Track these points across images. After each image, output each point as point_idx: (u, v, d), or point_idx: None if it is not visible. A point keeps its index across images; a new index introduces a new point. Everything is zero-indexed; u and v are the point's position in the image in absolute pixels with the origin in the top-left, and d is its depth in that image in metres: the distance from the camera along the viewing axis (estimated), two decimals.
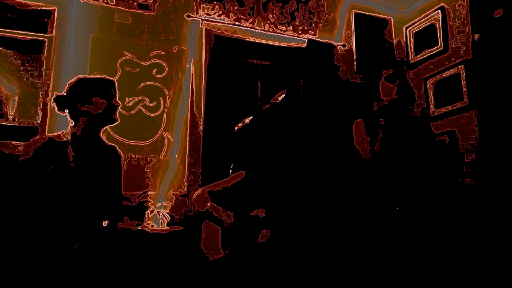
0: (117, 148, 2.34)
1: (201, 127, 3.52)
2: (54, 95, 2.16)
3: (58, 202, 1.98)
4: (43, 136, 2.14)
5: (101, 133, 2.24)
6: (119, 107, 2.23)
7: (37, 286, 1.81)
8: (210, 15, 3.73)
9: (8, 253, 1.85)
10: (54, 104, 2.13)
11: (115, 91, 2.23)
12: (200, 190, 2.57)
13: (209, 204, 2.44)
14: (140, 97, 3.37)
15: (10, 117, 3.11)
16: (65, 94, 2.15)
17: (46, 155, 2.01)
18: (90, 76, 2.26)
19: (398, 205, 2.71)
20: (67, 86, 2.17)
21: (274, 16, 3.97)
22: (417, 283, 2.44)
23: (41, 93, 3.14)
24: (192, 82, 3.54)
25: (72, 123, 2.15)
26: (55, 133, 2.16)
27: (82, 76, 2.25)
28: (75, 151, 2.08)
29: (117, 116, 2.22)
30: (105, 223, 2.17)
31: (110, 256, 2.00)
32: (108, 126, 2.26)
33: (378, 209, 2.66)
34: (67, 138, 2.11)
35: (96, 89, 2.15)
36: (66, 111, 2.14)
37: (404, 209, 2.68)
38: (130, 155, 3.24)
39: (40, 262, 1.84)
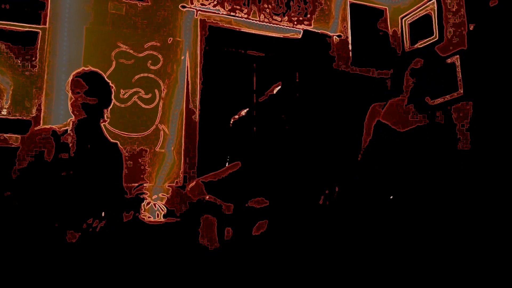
0: (119, 146, 2.34)
1: (197, 118, 3.51)
2: (75, 72, 2.16)
3: (56, 191, 1.98)
4: (46, 127, 2.14)
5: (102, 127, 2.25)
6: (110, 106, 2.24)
7: (37, 273, 1.83)
8: (205, 5, 3.71)
9: (9, 247, 1.86)
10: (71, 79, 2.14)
11: (110, 96, 2.23)
12: (195, 181, 2.57)
13: (207, 197, 2.44)
14: (135, 89, 3.35)
15: (4, 110, 3.09)
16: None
17: (49, 146, 2.01)
18: (101, 73, 2.24)
19: (393, 195, 2.72)
20: (80, 70, 2.17)
21: (270, 6, 3.95)
22: (417, 278, 2.46)
23: (35, 85, 3.12)
24: (187, 73, 3.52)
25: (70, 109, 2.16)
26: (59, 125, 2.17)
27: (98, 71, 2.24)
28: (75, 143, 2.09)
29: (101, 124, 2.23)
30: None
31: (108, 247, 2.01)
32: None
33: (375, 201, 2.67)
34: (67, 127, 2.11)
35: (95, 87, 2.15)
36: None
37: (399, 200, 2.70)
38: (126, 147, 3.23)
39: (40, 253, 1.85)
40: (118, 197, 2.28)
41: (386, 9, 4.42)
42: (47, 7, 3.21)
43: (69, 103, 2.14)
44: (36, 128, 2.11)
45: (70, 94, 2.13)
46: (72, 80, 2.12)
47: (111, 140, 2.32)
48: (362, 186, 2.70)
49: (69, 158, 2.04)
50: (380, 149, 2.69)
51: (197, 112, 3.53)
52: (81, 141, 2.12)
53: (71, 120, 2.17)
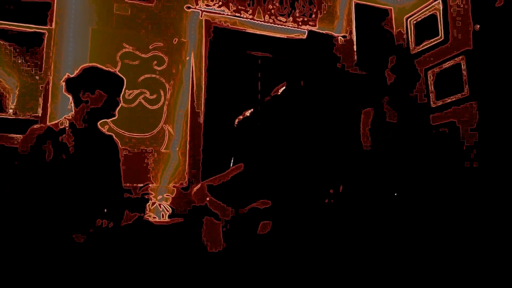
0: (114, 138, 2.34)
1: (202, 119, 3.52)
2: (66, 75, 2.15)
3: (58, 192, 1.99)
4: (41, 126, 2.14)
5: (99, 124, 2.24)
6: (120, 104, 2.23)
7: (42, 275, 1.84)
8: (210, 6, 3.71)
9: (8, 247, 1.86)
10: (64, 83, 2.13)
11: (121, 89, 2.23)
12: (199, 184, 2.57)
13: (208, 199, 2.45)
14: (140, 90, 3.37)
15: (10, 110, 3.11)
16: (74, 77, 2.14)
17: (44, 144, 2.01)
18: (103, 67, 2.23)
19: (397, 194, 2.73)
20: (79, 70, 2.16)
21: (274, 6, 3.94)
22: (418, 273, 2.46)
23: (41, 86, 3.14)
24: (192, 74, 3.53)
25: (72, 109, 2.15)
26: (53, 122, 2.16)
27: (94, 65, 2.24)
28: (73, 140, 2.09)
29: (116, 112, 2.22)
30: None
31: (113, 247, 2.02)
32: (106, 119, 2.26)
33: (378, 199, 2.67)
34: (64, 126, 2.11)
35: (103, 81, 2.15)
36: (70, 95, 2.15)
37: (402, 198, 2.70)
38: (131, 147, 3.25)
39: (41, 254, 1.86)
40: (118, 196, 2.28)
41: (391, 9, 4.40)
42: (53, 8, 3.23)
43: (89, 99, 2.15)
44: (33, 127, 2.10)
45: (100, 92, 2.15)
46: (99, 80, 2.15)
47: (106, 133, 2.32)
48: (365, 186, 2.70)
49: (69, 158, 2.04)
50: (380, 151, 2.69)
51: (202, 113, 3.53)
52: (79, 139, 2.12)
53: (65, 118, 2.16)
